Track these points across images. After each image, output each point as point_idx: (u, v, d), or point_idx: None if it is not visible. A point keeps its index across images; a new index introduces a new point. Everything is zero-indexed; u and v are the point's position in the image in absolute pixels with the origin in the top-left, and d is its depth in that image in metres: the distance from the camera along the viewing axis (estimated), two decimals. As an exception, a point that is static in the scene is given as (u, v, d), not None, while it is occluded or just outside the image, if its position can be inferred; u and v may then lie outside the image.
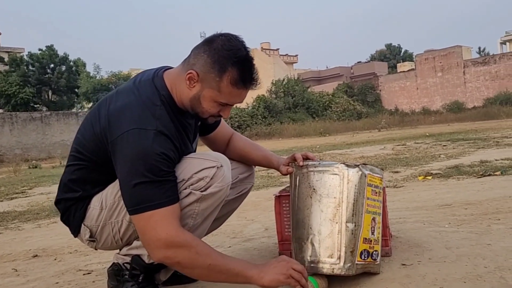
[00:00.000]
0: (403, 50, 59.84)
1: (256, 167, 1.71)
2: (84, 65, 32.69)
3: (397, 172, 4.17)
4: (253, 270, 1.24)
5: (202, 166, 1.32)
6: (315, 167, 1.44)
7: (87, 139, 1.38)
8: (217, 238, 2.13)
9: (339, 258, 1.36)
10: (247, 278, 1.24)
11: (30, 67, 31.32)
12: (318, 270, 1.37)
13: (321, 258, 1.38)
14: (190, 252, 1.21)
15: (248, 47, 1.32)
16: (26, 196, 5.30)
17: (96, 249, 1.50)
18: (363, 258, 1.38)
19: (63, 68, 32.00)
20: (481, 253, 1.47)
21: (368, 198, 1.40)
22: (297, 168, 1.49)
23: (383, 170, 3.10)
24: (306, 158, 1.52)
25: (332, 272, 1.36)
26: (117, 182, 1.32)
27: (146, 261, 1.39)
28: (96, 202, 1.42)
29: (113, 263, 1.43)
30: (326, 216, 1.39)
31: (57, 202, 1.50)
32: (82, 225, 1.44)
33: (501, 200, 2.34)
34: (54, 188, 6.10)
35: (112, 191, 1.39)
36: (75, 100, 32.78)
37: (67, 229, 1.48)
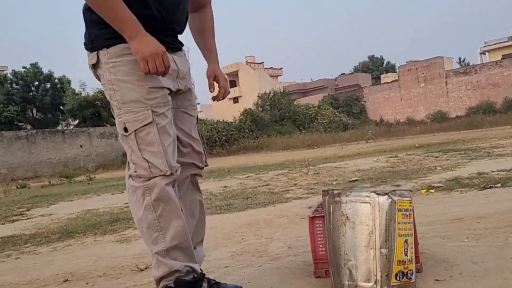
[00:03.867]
0: (385, 61, 60.90)
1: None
2: (69, 82, 32.46)
3: (398, 185, 4.28)
4: (131, 29, 1.37)
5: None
6: (347, 196, 1.52)
7: None
8: (243, 257, 2.19)
9: (375, 282, 1.44)
10: (122, 30, 1.39)
11: (14, 85, 31.01)
12: (356, 295, 1.46)
13: (358, 282, 1.46)
14: None
15: None
16: (27, 218, 5.27)
17: None
18: (398, 279, 1.46)
19: (48, 85, 31.76)
20: (508, 266, 1.56)
21: (399, 223, 1.47)
22: (330, 197, 1.56)
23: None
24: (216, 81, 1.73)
25: (370, 296, 1.44)
26: None
27: (188, 278, 1.46)
28: None
29: None
30: (360, 243, 1.47)
31: None
32: None
33: (510, 214, 2.46)
34: (53, 209, 6.09)
35: None
36: (60, 117, 32.48)
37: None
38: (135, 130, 1.45)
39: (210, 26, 1.80)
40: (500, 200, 2.86)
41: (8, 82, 30.82)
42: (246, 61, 51.93)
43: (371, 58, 60.95)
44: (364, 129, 28.11)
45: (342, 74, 59.78)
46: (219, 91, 1.77)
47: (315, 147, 22.01)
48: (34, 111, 32.02)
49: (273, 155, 18.23)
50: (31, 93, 31.13)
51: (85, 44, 1.53)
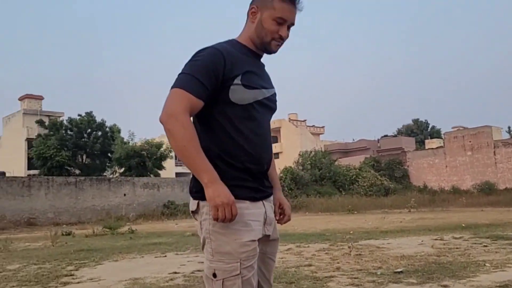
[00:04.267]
0: (430, 126, 60.09)
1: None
2: (119, 131, 34.01)
3: (446, 286, 4.22)
4: (207, 176, 1.59)
5: None
6: None
7: None
8: None
9: None
10: (201, 178, 1.60)
11: (68, 132, 32.79)
12: None
13: None
14: (177, 126, 1.58)
15: None
16: (78, 282, 5.50)
17: None
18: None
19: (99, 133, 33.37)
20: None
21: None
22: None
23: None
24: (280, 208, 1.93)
25: None
26: None
27: None
28: None
29: None
30: None
31: None
32: None
33: None
34: (100, 271, 6.32)
35: None
36: (108, 164, 33.76)
37: None
38: (223, 279, 1.61)
39: (273, 166, 1.99)
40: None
41: (63, 128, 32.64)
42: (289, 118, 52.78)
43: (416, 121, 60.41)
44: (407, 195, 27.49)
45: (385, 136, 59.37)
46: (284, 217, 1.94)
47: (355, 212, 21.69)
48: (84, 156, 33.53)
49: (312, 219, 18.07)
50: (83, 140, 32.77)
51: (190, 189, 1.76)
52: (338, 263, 5.99)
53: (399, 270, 5.17)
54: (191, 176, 1.71)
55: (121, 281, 5.42)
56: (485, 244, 7.17)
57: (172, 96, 1.63)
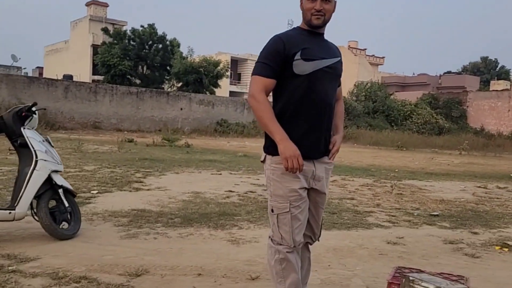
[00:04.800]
0: (499, 65, 56.39)
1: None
2: (178, 45, 34.61)
3: (476, 233, 4.63)
4: (278, 136, 2.07)
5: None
6: (418, 284, 2.10)
7: None
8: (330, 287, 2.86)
9: None
10: (274, 138, 2.09)
11: (131, 42, 33.75)
12: None
13: None
14: (256, 104, 2.10)
15: None
16: (147, 189, 6.35)
17: None
18: None
19: (160, 46, 34.13)
20: None
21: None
22: (406, 280, 2.15)
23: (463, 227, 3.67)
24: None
25: None
26: None
27: None
28: None
29: None
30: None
31: None
32: None
33: None
34: (165, 181, 7.17)
35: None
36: (166, 77, 34.87)
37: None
38: (277, 214, 2.16)
39: (341, 112, 2.46)
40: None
41: (127, 38, 33.60)
42: (349, 46, 51.16)
43: (484, 59, 56.80)
44: (461, 136, 26.90)
45: (447, 72, 56.59)
46: (333, 149, 2.35)
47: (404, 149, 21.75)
48: (145, 68, 34.72)
49: (359, 152, 18.42)
50: (145, 51, 33.72)
51: (264, 146, 2.27)
52: (379, 199, 6.48)
53: (435, 213, 5.59)
54: (264, 133, 2.21)
55: (184, 193, 6.21)
56: (527, 198, 7.36)
57: (252, 82, 2.16)
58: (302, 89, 2.14)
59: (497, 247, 4.10)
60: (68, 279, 2.77)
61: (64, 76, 26.10)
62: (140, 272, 2.96)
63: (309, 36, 2.21)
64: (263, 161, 2.26)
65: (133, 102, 25.50)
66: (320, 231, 2.41)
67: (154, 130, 24.96)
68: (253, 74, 2.17)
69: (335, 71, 2.27)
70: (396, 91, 40.72)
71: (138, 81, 33.69)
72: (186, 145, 15.76)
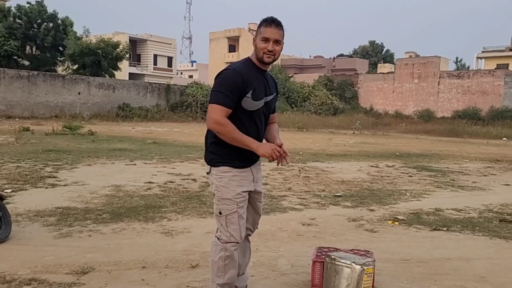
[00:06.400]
0: (385, 49, 61.53)
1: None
2: (71, 24, 32.58)
3: (372, 210, 5.43)
4: (254, 144, 2.43)
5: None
6: (338, 261, 2.63)
7: None
8: (261, 269, 3.30)
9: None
10: (251, 148, 2.43)
11: (17, 20, 30.99)
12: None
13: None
14: (224, 128, 2.39)
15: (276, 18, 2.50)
16: (64, 185, 6.27)
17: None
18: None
19: (51, 25, 31.80)
20: (422, 308, 2.70)
21: (364, 281, 2.61)
22: (329, 259, 2.67)
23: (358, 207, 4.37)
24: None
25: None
26: None
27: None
28: None
29: None
30: (345, 288, 2.61)
31: None
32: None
33: (440, 261, 3.61)
34: (80, 175, 7.09)
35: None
36: (59, 58, 32.70)
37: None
38: (226, 215, 2.51)
39: (276, 130, 2.84)
40: (439, 247, 4.02)
41: (11, 15, 30.76)
42: (249, 28, 51.95)
43: (372, 43, 61.53)
44: (353, 116, 29.32)
45: (340, 55, 60.39)
46: (286, 157, 2.66)
47: (304, 129, 23.16)
48: (34, 48, 32.16)
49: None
50: (33, 30, 31.19)
51: (204, 159, 2.62)
52: (289, 183, 7.12)
53: (338, 194, 6.36)
54: (205, 149, 2.60)
55: (104, 186, 6.26)
56: (411, 174, 8.57)
57: (213, 109, 2.43)
58: (244, 120, 2.52)
59: (389, 222, 4.90)
60: (18, 282, 2.88)
61: None
62: (86, 269, 3.14)
63: (258, 73, 2.54)
64: (209, 173, 2.59)
65: (24, 87, 23.70)
66: (258, 224, 2.82)
67: (50, 116, 23.50)
68: (214, 102, 2.43)
69: (271, 105, 2.69)
70: (294, 73, 42.68)
71: (27, 63, 31.15)
72: (90, 133, 15.22)
